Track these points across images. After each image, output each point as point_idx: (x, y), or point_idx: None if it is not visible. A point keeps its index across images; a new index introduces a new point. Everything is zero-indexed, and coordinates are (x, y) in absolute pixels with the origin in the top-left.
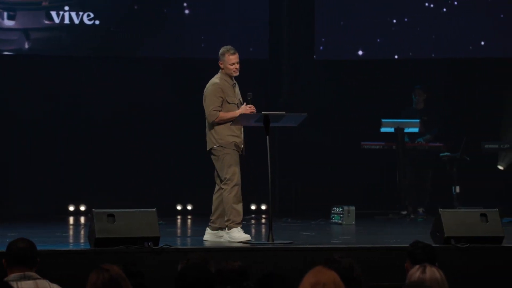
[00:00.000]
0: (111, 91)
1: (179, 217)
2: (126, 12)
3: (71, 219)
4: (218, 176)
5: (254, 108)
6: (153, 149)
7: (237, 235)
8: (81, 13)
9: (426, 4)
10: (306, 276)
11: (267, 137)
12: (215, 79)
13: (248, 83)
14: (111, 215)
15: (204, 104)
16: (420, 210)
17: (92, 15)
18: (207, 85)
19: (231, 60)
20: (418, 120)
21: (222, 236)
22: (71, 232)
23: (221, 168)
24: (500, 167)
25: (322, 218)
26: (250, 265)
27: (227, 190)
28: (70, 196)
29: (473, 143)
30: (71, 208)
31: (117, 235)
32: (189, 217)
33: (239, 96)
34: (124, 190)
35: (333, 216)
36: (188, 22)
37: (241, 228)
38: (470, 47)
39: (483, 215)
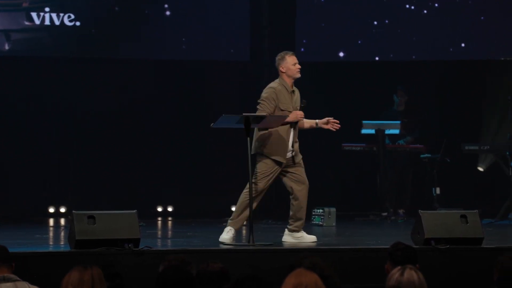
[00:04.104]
0: (91, 93)
1: (159, 218)
2: (107, 13)
3: (51, 221)
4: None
5: (303, 115)
6: (134, 151)
7: (226, 235)
8: (61, 14)
9: (407, 6)
10: (288, 277)
11: (248, 138)
12: (273, 83)
13: (229, 85)
14: (91, 217)
15: (257, 106)
16: (401, 211)
17: (72, 16)
18: (264, 89)
19: (293, 60)
20: (399, 122)
21: (301, 237)
22: (51, 234)
23: (255, 173)
24: (480, 169)
25: None
26: (231, 266)
27: (246, 193)
28: (50, 198)
29: (453, 145)
30: (51, 210)
31: (97, 236)
32: (169, 218)
33: (297, 104)
34: (104, 192)
35: (313, 218)
36: (169, 23)
37: (234, 230)
38: (451, 49)
39: (463, 216)
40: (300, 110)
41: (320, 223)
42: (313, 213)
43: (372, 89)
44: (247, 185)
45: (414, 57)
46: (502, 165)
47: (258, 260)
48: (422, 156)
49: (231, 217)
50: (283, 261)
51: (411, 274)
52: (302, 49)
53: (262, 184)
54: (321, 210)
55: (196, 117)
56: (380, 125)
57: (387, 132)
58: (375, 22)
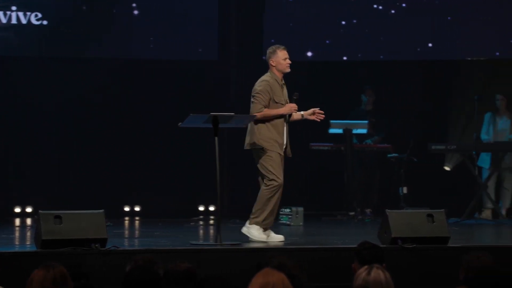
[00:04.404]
0: (59, 92)
1: (126, 218)
2: (74, 13)
3: (17, 221)
4: (261, 173)
5: (297, 107)
6: (101, 150)
7: (256, 234)
8: (28, 13)
9: (375, 6)
10: (255, 277)
11: (216, 138)
12: (265, 77)
13: (197, 84)
14: (58, 217)
15: (252, 100)
16: (368, 210)
17: (40, 15)
18: (257, 82)
19: (284, 55)
20: (366, 122)
21: (269, 236)
22: (17, 234)
23: (264, 168)
24: (447, 168)
25: None
26: (199, 266)
27: (267, 190)
28: (16, 198)
29: (420, 145)
30: (17, 210)
31: (64, 236)
32: (137, 218)
33: (286, 97)
34: (71, 192)
35: (281, 217)
36: (137, 23)
37: (263, 229)
38: (418, 49)
39: (430, 215)
40: (292, 102)
41: (288, 222)
42: (281, 212)
43: (340, 89)
44: (266, 182)
45: (382, 57)
46: (469, 164)
47: (225, 260)
48: (389, 155)
49: (255, 218)
50: (251, 261)
51: (378, 273)
52: None
53: (281, 176)
54: (288, 210)
55: (163, 116)
56: (347, 124)
57: (354, 131)
58: (343, 22)
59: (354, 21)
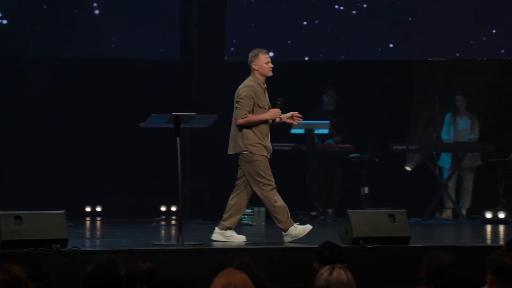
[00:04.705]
0: (19, 92)
1: (88, 219)
2: (35, 12)
3: None
4: (248, 179)
5: (280, 112)
6: (62, 150)
7: (297, 232)
8: None
9: (336, 7)
10: (217, 277)
11: (178, 138)
12: (249, 82)
13: (159, 84)
14: (18, 217)
15: (236, 105)
16: (330, 210)
17: (0, 15)
18: (240, 87)
19: (266, 59)
20: (328, 122)
21: (231, 236)
22: None
23: (253, 173)
24: (408, 168)
25: None
26: (161, 266)
27: (267, 194)
28: None
29: (381, 145)
30: None
31: (24, 237)
32: (98, 219)
33: (268, 101)
34: (31, 192)
35: (243, 217)
36: (98, 22)
37: (297, 223)
38: (379, 49)
39: (391, 215)
40: (276, 107)
41: (250, 222)
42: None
43: (301, 89)
44: (264, 188)
45: (343, 57)
46: (429, 164)
47: (187, 260)
48: (350, 155)
49: (282, 223)
50: (212, 261)
51: (340, 273)
52: (232, 49)
53: (272, 179)
54: (250, 210)
55: (124, 116)
56: (309, 125)
57: (316, 131)
58: (305, 23)
59: (316, 21)
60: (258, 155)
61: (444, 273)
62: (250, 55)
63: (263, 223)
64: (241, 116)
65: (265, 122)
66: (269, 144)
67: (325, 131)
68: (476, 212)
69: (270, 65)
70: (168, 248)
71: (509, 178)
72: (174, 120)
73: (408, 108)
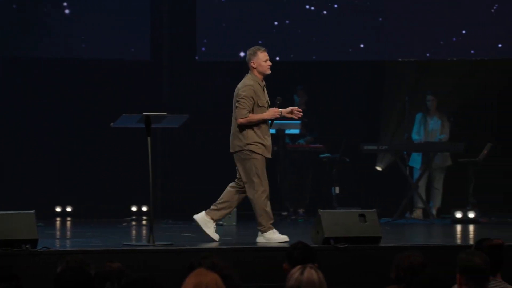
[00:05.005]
0: None
1: (58, 219)
2: (4, 12)
3: None
4: (243, 178)
5: (280, 112)
6: (32, 150)
7: (274, 236)
8: None
9: (307, 7)
10: (188, 277)
11: (149, 138)
12: (248, 81)
13: (130, 84)
14: None
15: (236, 105)
16: (301, 210)
17: None
18: (239, 86)
19: (265, 57)
20: (299, 122)
21: (210, 228)
22: None
23: (249, 172)
24: (378, 168)
25: None
26: (131, 266)
27: (258, 194)
28: None
29: (352, 145)
30: None
31: None
32: (68, 219)
33: (268, 99)
34: (0, 192)
35: None
36: (69, 22)
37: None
38: (350, 50)
39: (362, 215)
40: (276, 107)
41: (221, 222)
42: None
43: (272, 89)
44: (253, 190)
45: (314, 57)
46: (400, 164)
47: (158, 260)
48: (321, 155)
49: (262, 227)
50: (183, 261)
51: (311, 273)
52: (203, 49)
53: (265, 179)
54: None
55: (95, 116)
56: (280, 124)
57: (287, 131)
58: (276, 23)
59: (287, 21)
60: (256, 153)
61: (414, 272)
62: (248, 53)
63: (234, 223)
64: (241, 115)
65: (264, 120)
66: (269, 142)
67: (296, 131)
68: (446, 212)
69: (269, 63)
70: (139, 248)
71: (478, 178)
72: (145, 120)
73: (379, 108)
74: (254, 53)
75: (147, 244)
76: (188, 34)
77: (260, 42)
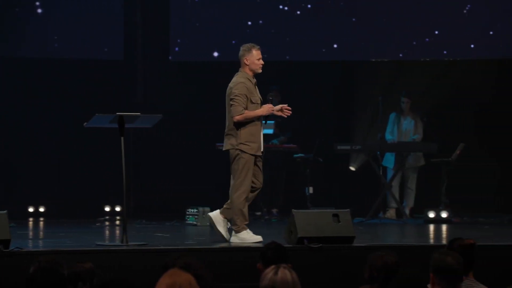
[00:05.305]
0: None
1: (31, 219)
2: None
3: None
4: (232, 175)
5: (274, 108)
6: (4, 150)
7: (248, 237)
8: None
9: (281, 7)
10: (162, 278)
11: (122, 138)
12: (239, 78)
13: (103, 83)
14: None
15: (230, 103)
16: (274, 210)
17: None
18: (232, 85)
19: (258, 55)
20: (272, 122)
21: (224, 227)
22: None
23: (235, 171)
24: (352, 168)
25: (177, 219)
26: (105, 267)
27: (238, 194)
28: None
29: (326, 145)
30: None
31: None
32: (41, 219)
33: (260, 96)
34: None
35: (187, 217)
36: (41, 21)
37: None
38: (323, 50)
39: (335, 215)
40: (269, 103)
41: (194, 222)
42: (187, 213)
43: None
44: (234, 189)
45: (288, 57)
46: (373, 164)
47: (131, 260)
48: (295, 155)
49: (237, 227)
50: (157, 261)
51: (285, 273)
52: (177, 49)
53: (248, 180)
54: (195, 210)
55: (68, 116)
56: None
57: None
58: (249, 23)
59: (261, 21)
60: (245, 153)
61: (388, 272)
62: (242, 49)
63: (208, 223)
64: (237, 113)
65: (258, 118)
66: (260, 140)
67: (270, 131)
68: (419, 211)
69: (261, 61)
70: (112, 248)
71: (451, 178)
72: (118, 120)
73: (352, 108)
74: (249, 50)
75: (120, 244)
76: (162, 34)
77: (233, 42)
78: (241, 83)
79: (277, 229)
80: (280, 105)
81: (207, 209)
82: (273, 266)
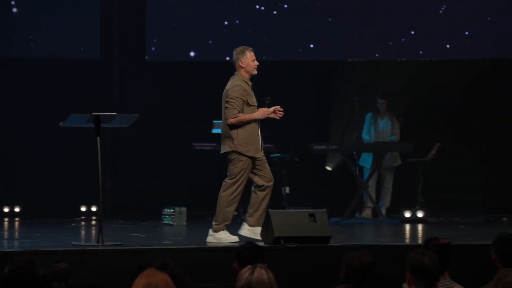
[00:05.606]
0: None
1: (6, 219)
2: None
3: None
4: (228, 173)
5: (270, 112)
6: None
7: (224, 237)
8: None
9: (257, 7)
10: (138, 278)
11: (98, 138)
12: (236, 81)
13: (79, 83)
14: None
15: (226, 105)
16: None
17: None
18: (228, 87)
19: (252, 56)
20: None
21: (257, 234)
22: None
23: (231, 171)
24: (328, 168)
25: (153, 219)
26: (81, 267)
27: (227, 193)
28: None
29: (302, 145)
30: None
31: None
32: (16, 219)
33: (255, 99)
34: None
35: (164, 217)
36: (17, 21)
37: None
38: (300, 50)
39: (312, 215)
40: (265, 107)
41: (171, 222)
42: (164, 213)
43: (222, 89)
44: (225, 187)
45: (264, 57)
46: (350, 164)
47: (108, 260)
48: (272, 155)
49: (217, 224)
50: (133, 261)
51: (261, 273)
52: (153, 48)
53: (241, 182)
54: (171, 210)
55: (44, 116)
56: None
57: None
58: (226, 23)
59: (237, 21)
60: (243, 155)
61: (364, 272)
62: (235, 52)
63: (184, 223)
64: (232, 115)
65: (255, 120)
66: (259, 141)
67: None
68: (395, 211)
69: (256, 62)
70: (88, 248)
71: (427, 178)
72: (95, 119)
73: (328, 108)
74: (242, 53)
75: (96, 244)
76: (138, 33)
77: (210, 42)
78: (237, 86)
79: None
80: (273, 107)
81: (183, 209)
82: (249, 266)
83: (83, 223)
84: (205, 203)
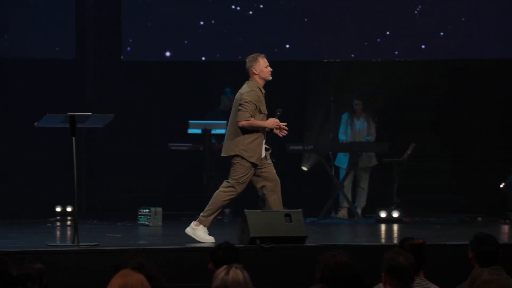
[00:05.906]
0: None
1: None
2: None
3: None
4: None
5: (280, 123)
6: None
7: (202, 235)
8: None
9: (233, 7)
10: (114, 278)
11: (73, 138)
12: (251, 86)
13: (54, 83)
14: None
15: (239, 108)
16: (227, 210)
17: None
18: (243, 92)
19: (265, 62)
20: (225, 122)
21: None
22: None
23: (233, 173)
24: (304, 168)
25: (128, 220)
26: (56, 267)
27: (223, 192)
28: None
29: (278, 145)
30: None
31: None
32: None
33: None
34: None
35: (140, 218)
36: None
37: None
38: (276, 50)
39: (287, 215)
40: (276, 118)
41: (146, 223)
42: (139, 213)
43: (198, 89)
44: (225, 185)
45: (240, 57)
46: (325, 164)
47: (83, 261)
48: None
49: (204, 217)
50: (109, 262)
51: (236, 273)
52: (129, 48)
53: (242, 186)
54: (147, 210)
55: (18, 116)
56: (206, 125)
57: (213, 132)
58: (202, 22)
59: (213, 21)
60: (246, 161)
61: (339, 272)
62: (247, 60)
63: (160, 224)
64: (244, 118)
65: (262, 129)
66: (262, 150)
67: (223, 131)
68: (371, 211)
69: (270, 68)
70: (63, 249)
71: (403, 178)
72: (70, 119)
73: (304, 108)
74: (255, 59)
75: (71, 244)
76: (113, 33)
77: (186, 42)
78: (253, 91)
79: (229, 229)
80: (282, 123)
81: (159, 209)
82: (225, 266)
83: (58, 223)
84: (181, 202)
